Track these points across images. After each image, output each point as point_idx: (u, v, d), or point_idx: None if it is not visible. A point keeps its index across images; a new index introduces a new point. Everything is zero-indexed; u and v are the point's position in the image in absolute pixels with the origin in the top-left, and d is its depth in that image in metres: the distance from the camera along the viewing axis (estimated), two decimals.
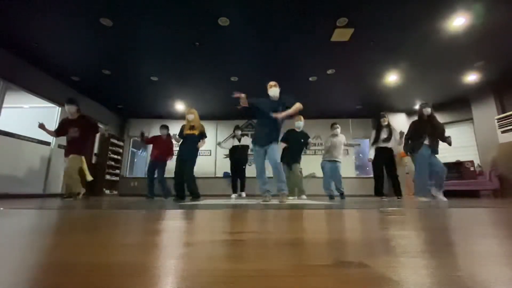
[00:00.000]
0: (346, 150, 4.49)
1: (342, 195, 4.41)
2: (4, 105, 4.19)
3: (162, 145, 4.70)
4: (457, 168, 5.70)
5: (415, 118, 3.74)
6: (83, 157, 3.84)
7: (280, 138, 3.38)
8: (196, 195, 3.84)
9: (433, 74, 5.03)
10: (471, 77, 5.12)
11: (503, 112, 5.42)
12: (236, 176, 5.45)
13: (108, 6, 3.23)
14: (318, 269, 0.46)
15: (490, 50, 4.19)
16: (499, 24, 3.52)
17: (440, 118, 6.63)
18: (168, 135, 4.82)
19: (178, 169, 3.78)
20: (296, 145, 4.32)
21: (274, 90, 3.13)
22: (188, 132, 3.86)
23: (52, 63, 4.63)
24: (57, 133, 3.89)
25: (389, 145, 4.13)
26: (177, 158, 3.84)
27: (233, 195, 5.38)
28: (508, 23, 3.51)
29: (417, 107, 6.70)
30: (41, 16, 3.39)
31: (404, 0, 3.12)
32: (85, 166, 3.87)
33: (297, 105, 2.94)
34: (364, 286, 0.38)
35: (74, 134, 3.70)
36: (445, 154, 6.56)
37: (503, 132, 5.28)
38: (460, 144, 6.44)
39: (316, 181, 6.39)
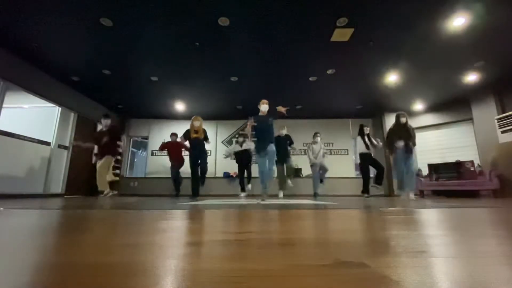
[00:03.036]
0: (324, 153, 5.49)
1: (315, 194, 5.28)
2: (4, 105, 4.18)
3: (175, 151, 5.43)
4: (457, 168, 5.69)
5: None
6: (112, 159, 4.44)
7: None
8: (195, 194, 4.52)
9: (433, 74, 5.03)
10: (471, 77, 5.11)
11: (503, 112, 5.42)
12: (243, 175, 5.80)
13: (108, 6, 3.22)
14: (318, 269, 0.46)
15: (490, 50, 4.19)
16: (499, 24, 3.52)
17: (440, 118, 6.69)
18: (177, 140, 5.51)
19: (193, 170, 4.54)
20: (282, 149, 5.11)
21: (265, 107, 3.80)
22: (194, 135, 4.52)
23: (52, 63, 4.62)
24: (97, 143, 4.45)
25: (371, 151, 4.88)
26: (190, 160, 4.60)
27: (242, 194, 5.67)
28: (508, 23, 3.50)
29: (418, 106, 6.73)
30: (41, 16, 3.39)
31: (404, 0, 3.12)
32: (111, 166, 4.47)
33: (280, 108, 3.79)
34: (364, 286, 0.38)
35: (106, 140, 4.34)
36: (446, 154, 6.58)
37: (503, 132, 5.27)
38: (460, 144, 6.45)
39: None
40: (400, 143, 4.14)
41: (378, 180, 4.83)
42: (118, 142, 4.47)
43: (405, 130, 4.24)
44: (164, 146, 5.54)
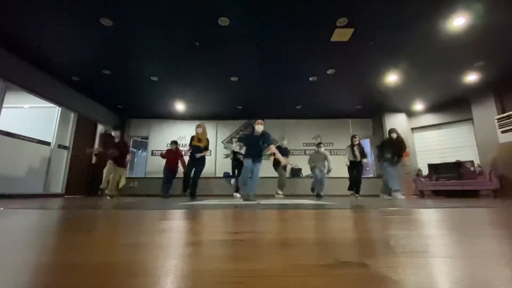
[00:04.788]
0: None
1: (318, 195, 5.52)
2: (4, 105, 4.18)
3: (172, 158, 5.70)
4: (457, 168, 5.69)
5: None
6: (124, 170, 4.82)
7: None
8: (193, 195, 4.79)
9: (433, 74, 5.02)
10: (471, 77, 5.11)
11: (503, 112, 5.42)
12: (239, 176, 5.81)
13: (108, 6, 3.22)
14: (318, 269, 0.46)
15: (490, 50, 4.19)
16: (499, 24, 3.52)
17: (440, 118, 6.70)
18: (177, 148, 5.84)
19: (188, 172, 4.84)
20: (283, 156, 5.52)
21: (259, 127, 3.92)
22: (196, 143, 4.75)
23: (52, 63, 4.62)
24: (103, 147, 4.73)
25: (359, 159, 5.35)
26: (188, 162, 4.87)
27: (237, 194, 5.66)
28: (508, 23, 3.50)
29: (418, 106, 6.75)
30: (41, 16, 3.39)
31: (404, 0, 3.12)
32: (123, 176, 4.90)
33: (272, 147, 4.08)
34: (364, 286, 0.38)
35: (114, 154, 4.51)
36: (446, 154, 6.58)
37: (503, 132, 5.27)
38: (460, 144, 6.45)
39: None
40: (388, 155, 4.70)
41: (357, 191, 5.44)
42: (127, 157, 4.84)
43: (395, 145, 4.76)
44: (163, 155, 5.82)
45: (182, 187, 4.94)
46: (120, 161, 4.64)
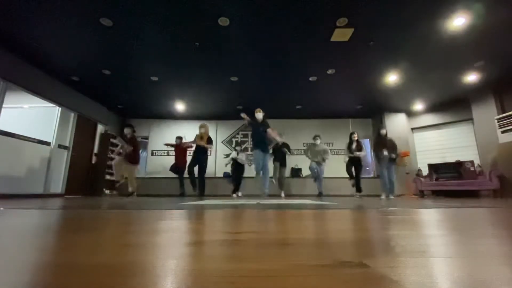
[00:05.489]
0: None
1: (320, 194, 5.58)
2: (4, 105, 4.18)
3: (180, 153, 5.87)
4: (457, 168, 5.69)
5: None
6: (136, 167, 5.08)
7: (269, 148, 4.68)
8: (201, 193, 5.07)
9: (433, 74, 5.02)
10: (471, 77, 5.11)
11: (503, 112, 5.42)
12: (236, 181, 6.15)
13: (108, 6, 3.22)
14: (318, 269, 0.46)
15: (490, 50, 4.19)
16: (499, 24, 3.52)
17: (440, 118, 6.71)
18: (182, 143, 5.99)
19: (191, 168, 5.11)
20: (280, 154, 5.87)
21: (258, 115, 4.41)
22: (199, 142, 5.07)
23: (52, 63, 4.62)
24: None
25: (358, 154, 5.32)
26: (191, 160, 5.15)
27: (234, 195, 5.88)
28: (508, 23, 3.50)
29: (418, 106, 6.75)
30: (41, 16, 3.39)
31: (404, 0, 3.12)
32: (136, 172, 5.16)
33: (269, 131, 4.41)
34: (364, 286, 0.38)
35: (129, 150, 4.82)
36: (446, 154, 6.58)
37: (503, 132, 5.27)
38: (460, 144, 6.45)
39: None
40: (385, 153, 4.72)
41: (358, 187, 5.34)
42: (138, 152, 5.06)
43: (387, 141, 4.90)
44: (172, 145, 6.06)
45: (192, 187, 5.20)
46: (133, 157, 4.88)
